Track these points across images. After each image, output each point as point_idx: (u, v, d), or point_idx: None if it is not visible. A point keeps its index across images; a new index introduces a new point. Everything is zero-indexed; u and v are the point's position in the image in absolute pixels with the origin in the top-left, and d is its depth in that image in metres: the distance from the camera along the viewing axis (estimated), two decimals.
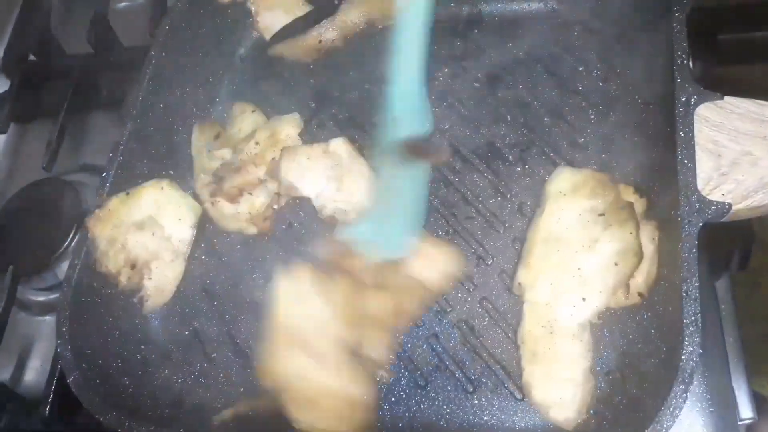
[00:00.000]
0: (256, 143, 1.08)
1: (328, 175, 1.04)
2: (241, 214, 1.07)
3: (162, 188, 1.06)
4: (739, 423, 0.96)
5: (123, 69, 1.28)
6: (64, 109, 1.28)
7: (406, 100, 0.95)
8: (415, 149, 0.94)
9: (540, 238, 0.93)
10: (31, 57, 1.40)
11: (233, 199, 1.06)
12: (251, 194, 1.07)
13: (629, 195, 0.93)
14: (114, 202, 1.02)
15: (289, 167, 1.05)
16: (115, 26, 1.37)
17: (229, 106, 1.19)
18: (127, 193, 1.04)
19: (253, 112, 1.15)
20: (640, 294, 0.86)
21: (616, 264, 0.87)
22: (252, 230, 1.07)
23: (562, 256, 0.91)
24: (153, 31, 1.20)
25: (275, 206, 1.08)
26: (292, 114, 1.13)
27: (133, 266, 1.01)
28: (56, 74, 1.39)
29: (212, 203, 1.08)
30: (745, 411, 0.98)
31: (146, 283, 1.02)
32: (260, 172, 1.07)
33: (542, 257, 0.92)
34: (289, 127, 1.11)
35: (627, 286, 0.86)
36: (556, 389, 0.86)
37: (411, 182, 0.98)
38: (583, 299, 0.88)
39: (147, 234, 1.03)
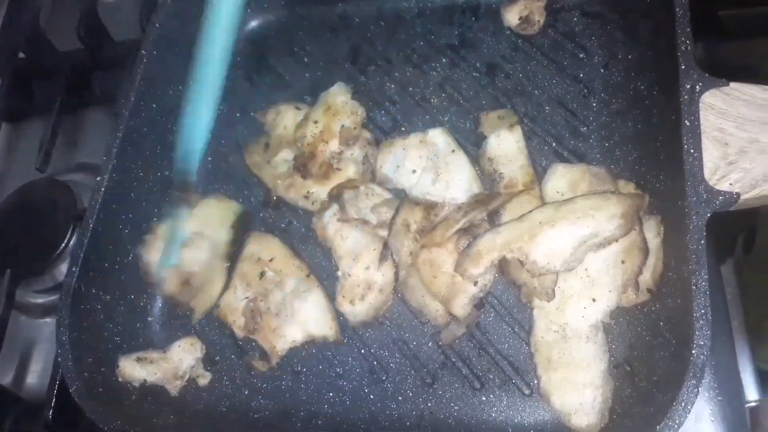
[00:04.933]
0: (315, 122, 1.07)
1: (424, 166, 1.01)
2: None
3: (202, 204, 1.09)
4: (746, 406, 0.95)
5: (115, 64, 1.27)
6: (57, 107, 1.26)
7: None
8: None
9: None
10: (21, 54, 1.37)
11: (326, 176, 1.04)
12: (339, 169, 1.05)
13: (630, 190, 0.91)
14: (162, 229, 1.05)
15: (385, 159, 1.03)
16: (105, 20, 1.35)
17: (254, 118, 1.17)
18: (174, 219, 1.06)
19: (284, 109, 1.13)
20: (649, 290, 0.85)
21: (622, 262, 0.86)
22: None
23: None
24: (144, 25, 1.18)
25: (367, 166, 1.05)
26: (336, 85, 1.12)
27: (186, 282, 1.03)
28: (47, 71, 1.36)
29: (307, 198, 1.06)
30: (752, 393, 0.97)
31: (198, 295, 1.03)
32: (333, 146, 1.05)
33: None
34: (340, 96, 1.09)
35: (636, 283, 0.85)
36: (575, 395, 0.85)
37: None
38: (593, 300, 0.87)
39: (195, 249, 1.04)
